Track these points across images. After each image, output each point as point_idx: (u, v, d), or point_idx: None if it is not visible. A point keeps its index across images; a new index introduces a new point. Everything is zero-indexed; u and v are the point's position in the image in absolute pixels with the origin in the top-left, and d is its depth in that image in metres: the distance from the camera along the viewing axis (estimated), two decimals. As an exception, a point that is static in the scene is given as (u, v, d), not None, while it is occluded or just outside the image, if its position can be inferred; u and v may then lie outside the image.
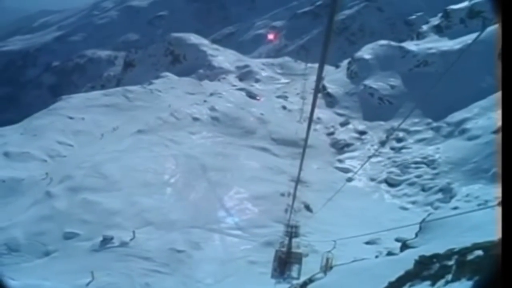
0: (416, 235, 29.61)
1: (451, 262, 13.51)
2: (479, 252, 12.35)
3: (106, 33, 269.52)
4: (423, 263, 15.30)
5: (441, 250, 15.60)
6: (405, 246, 28.73)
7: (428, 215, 36.95)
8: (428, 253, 15.89)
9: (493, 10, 3.56)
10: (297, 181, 16.15)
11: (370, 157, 61.01)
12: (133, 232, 35.02)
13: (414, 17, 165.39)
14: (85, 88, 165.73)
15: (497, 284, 3.79)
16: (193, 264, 33.27)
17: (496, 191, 42.33)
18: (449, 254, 14.35)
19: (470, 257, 12.57)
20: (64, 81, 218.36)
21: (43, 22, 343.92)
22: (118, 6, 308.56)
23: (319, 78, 5.10)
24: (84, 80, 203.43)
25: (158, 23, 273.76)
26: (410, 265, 15.79)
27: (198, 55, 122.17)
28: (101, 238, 34.36)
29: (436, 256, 14.90)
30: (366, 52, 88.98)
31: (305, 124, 44.97)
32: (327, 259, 25.29)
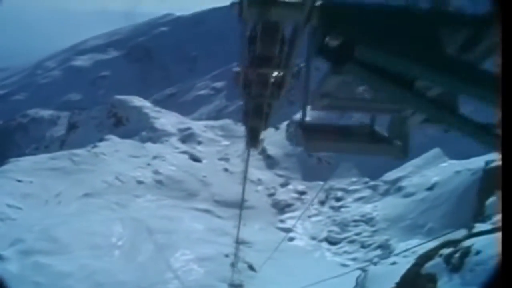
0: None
1: None
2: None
3: (49, 92, 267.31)
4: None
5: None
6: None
7: (363, 271, 39.39)
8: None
9: (492, 10, 3.61)
10: (237, 241, 18.16)
11: (309, 216, 62.66)
12: (85, 294, 36.24)
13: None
14: (29, 149, 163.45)
15: (497, 284, 3.88)
16: (143, 324, 34.69)
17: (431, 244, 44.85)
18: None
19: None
20: (6, 140, 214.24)
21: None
22: (61, 66, 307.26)
23: (248, 145, 6.06)
24: (27, 140, 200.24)
25: (101, 83, 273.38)
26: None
27: (141, 117, 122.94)
28: (53, 301, 35.48)
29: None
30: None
31: (247, 186, 46.83)
32: None
